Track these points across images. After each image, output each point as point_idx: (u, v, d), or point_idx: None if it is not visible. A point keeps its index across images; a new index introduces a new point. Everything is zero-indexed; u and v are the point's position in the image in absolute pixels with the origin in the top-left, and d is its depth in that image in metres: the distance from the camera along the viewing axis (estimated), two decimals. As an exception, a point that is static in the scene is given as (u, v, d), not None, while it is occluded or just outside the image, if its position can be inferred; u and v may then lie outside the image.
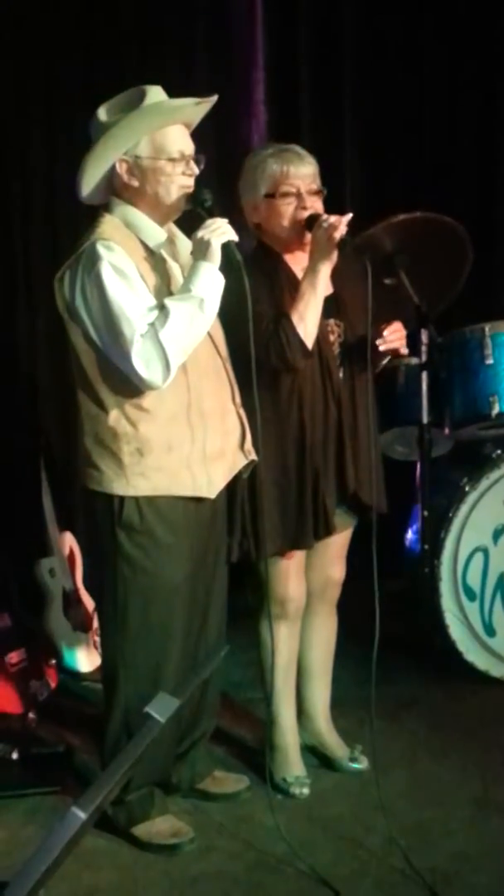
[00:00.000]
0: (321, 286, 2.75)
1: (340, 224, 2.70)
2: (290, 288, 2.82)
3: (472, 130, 4.49)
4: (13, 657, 3.49)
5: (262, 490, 2.81)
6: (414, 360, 3.32)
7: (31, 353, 4.23)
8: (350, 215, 2.73)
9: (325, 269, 2.75)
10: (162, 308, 2.53)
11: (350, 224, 2.72)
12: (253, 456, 2.78)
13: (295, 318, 2.74)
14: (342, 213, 2.74)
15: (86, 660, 3.79)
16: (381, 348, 2.89)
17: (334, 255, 2.73)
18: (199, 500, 2.68)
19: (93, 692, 3.52)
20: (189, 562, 2.70)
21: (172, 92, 2.67)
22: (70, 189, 2.73)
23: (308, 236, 2.80)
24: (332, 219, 2.72)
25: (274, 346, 2.72)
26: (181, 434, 2.62)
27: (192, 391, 2.64)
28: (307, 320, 2.75)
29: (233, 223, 2.63)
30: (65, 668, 3.76)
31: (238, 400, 2.76)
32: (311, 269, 2.75)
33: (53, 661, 3.68)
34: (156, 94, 2.62)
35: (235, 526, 2.86)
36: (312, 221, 2.77)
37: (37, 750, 3.19)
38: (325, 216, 2.75)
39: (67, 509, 3.87)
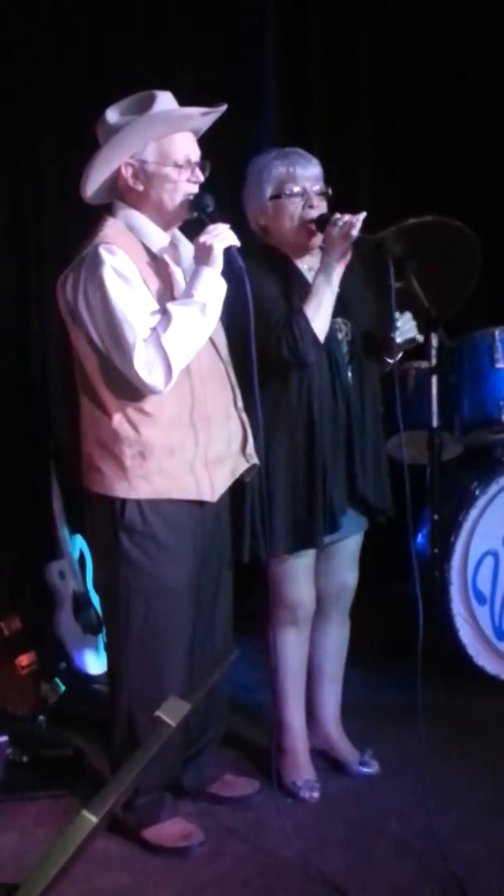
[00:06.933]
0: (335, 282, 2.77)
1: (357, 222, 2.72)
2: (299, 287, 2.83)
3: (483, 135, 4.49)
4: (24, 660, 3.48)
5: (273, 488, 2.81)
6: (424, 364, 3.33)
7: (42, 358, 4.23)
8: (364, 214, 2.74)
9: (340, 267, 2.77)
10: (164, 312, 2.53)
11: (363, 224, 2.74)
12: (254, 460, 2.78)
13: (309, 313, 2.75)
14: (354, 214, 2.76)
15: (96, 662, 3.80)
16: (399, 340, 2.90)
17: (349, 254, 2.75)
18: (201, 504, 2.69)
19: (103, 695, 3.51)
20: (191, 565, 2.70)
21: (181, 95, 2.67)
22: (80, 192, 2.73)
23: (317, 237, 2.82)
24: (346, 217, 2.73)
25: (286, 339, 2.73)
26: (183, 438, 2.63)
27: (195, 395, 2.64)
28: (321, 315, 2.76)
29: (236, 228, 2.63)
30: (75, 670, 3.77)
31: (240, 404, 2.76)
32: (326, 266, 2.76)
33: (64, 664, 3.69)
34: (165, 100, 2.63)
35: (246, 525, 2.86)
36: (323, 221, 2.79)
37: (47, 753, 3.19)
38: (338, 215, 2.75)
39: (78, 512, 3.88)
